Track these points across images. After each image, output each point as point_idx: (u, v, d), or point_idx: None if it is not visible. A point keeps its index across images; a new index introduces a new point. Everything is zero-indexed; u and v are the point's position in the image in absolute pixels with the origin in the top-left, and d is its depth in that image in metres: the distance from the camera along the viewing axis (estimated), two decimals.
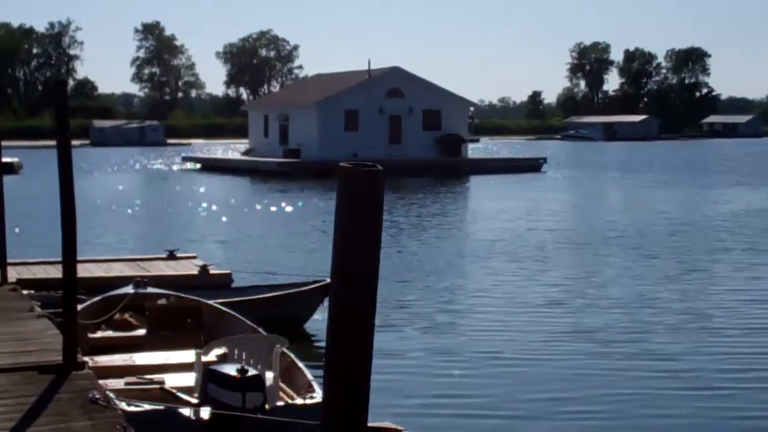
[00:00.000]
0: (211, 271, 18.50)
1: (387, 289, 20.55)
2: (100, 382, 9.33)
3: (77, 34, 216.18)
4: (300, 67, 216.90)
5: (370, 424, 8.68)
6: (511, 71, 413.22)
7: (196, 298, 13.99)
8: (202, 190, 53.38)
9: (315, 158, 67.77)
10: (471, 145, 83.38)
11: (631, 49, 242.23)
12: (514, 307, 18.79)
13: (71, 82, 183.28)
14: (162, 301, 13.63)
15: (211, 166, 75.69)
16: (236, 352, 10.98)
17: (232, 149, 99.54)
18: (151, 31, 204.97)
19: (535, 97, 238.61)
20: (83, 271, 16.72)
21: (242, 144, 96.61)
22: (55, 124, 9.51)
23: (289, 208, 40.92)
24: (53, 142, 9.51)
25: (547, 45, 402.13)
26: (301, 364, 10.97)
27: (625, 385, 13.12)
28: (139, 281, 14.16)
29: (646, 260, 25.15)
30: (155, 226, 34.92)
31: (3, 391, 8.62)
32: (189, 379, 10.57)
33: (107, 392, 8.75)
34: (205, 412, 8.92)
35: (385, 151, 70.90)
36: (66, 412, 8.03)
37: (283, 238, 30.48)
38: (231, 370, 9.04)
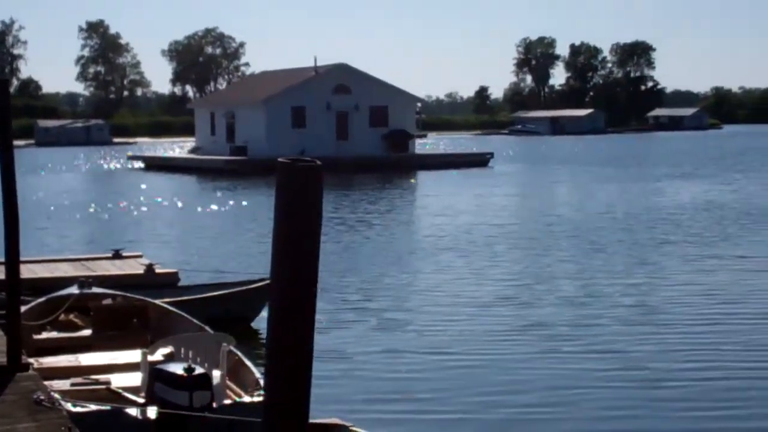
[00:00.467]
0: (157, 271, 18.41)
1: (334, 286, 20.53)
2: (46, 383, 9.26)
3: (20, 33, 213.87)
4: (246, 64, 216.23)
5: (317, 421, 8.70)
6: (458, 67, 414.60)
7: (141, 297, 13.90)
8: (148, 189, 53.04)
9: (262, 156, 67.53)
10: (418, 141, 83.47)
11: (577, 43, 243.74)
12: (463, 303, 18.77)
13: (15, 82, 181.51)
14: (107, 301, 13.53)
15: (157, 165, 75.21)
16: (183, 351, 10.93)
17: (178, 148, 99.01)
18: (95, 29, 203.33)
19: (482, 92, 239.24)
20: (27, 271, 16.59)
21: (189, 142, 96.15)
22: None
23: (236, 206, 40.78)
24: None
25: (493, 40, 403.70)
26: (248, 362, 10.94)
27: (575, 381, 13.12)
28: (84, 281, 14.05)
29: (594, 254, 25.25)
30: (100, 225, 34.68)
31: None
32: (135, 379, 10.51)
33: (52, 393, 8.69)
34: (152, 412, 8.88)
35: (333, 147, 70.81)
36: (10, 413, 7.97)
37: (230, 236, 30.38)
38: (178, 369, 9.00)
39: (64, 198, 46.25)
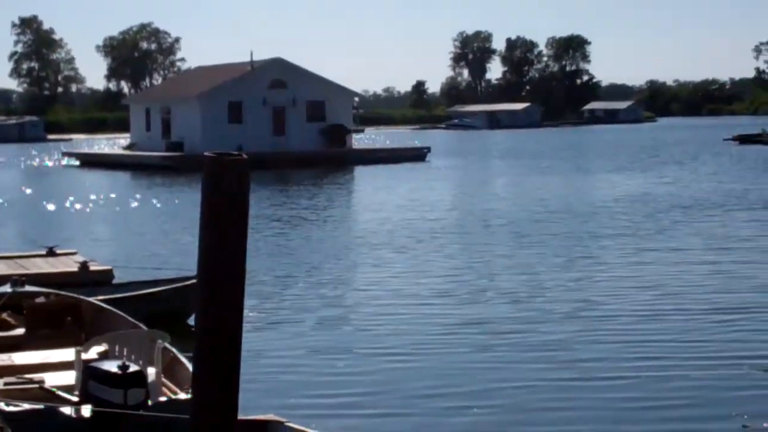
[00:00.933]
0: (92, 268, 18.24)
1: (271, 283, 20.47)
2: None
3: None
4: (182, 59, 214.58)
5: (253, 417, 8.66)
6: (395, 61, 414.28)
7: (75, 295, 13.78)
8: (82, 185, 52.56)
9: (198, 151, 67.05)
10: (356, 136, 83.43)
11: (513, 37, 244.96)
12: (400, 299, 18.73)
13: None
14: (41, 300, 13.40)
15: (92, 162, 74.54)
16: (117, 348, 10.85)
17: (114, 144, 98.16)
18: (28, 25, 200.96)
19: (419, 86, 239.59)
20: None
21: (124, 138, 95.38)
22: None
23: (171, 203, 40.53)
24: None
25: (430, 34, 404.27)
26: (183, 359, 10.87)
27: (516, 377, 13.09)
28: (17, 279, 13.90)
29: (532, 248, 25.36)
30: (34, 223, 34.32)
31: None
32: (69, 377, 10.42)
33: None
34: (86, 410, 8.80)
35: (270, 143, 70.58)
36: None
37: (165, 233, 30.19)
38: (112, 366, 8.93)
39: None
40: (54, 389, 9.97)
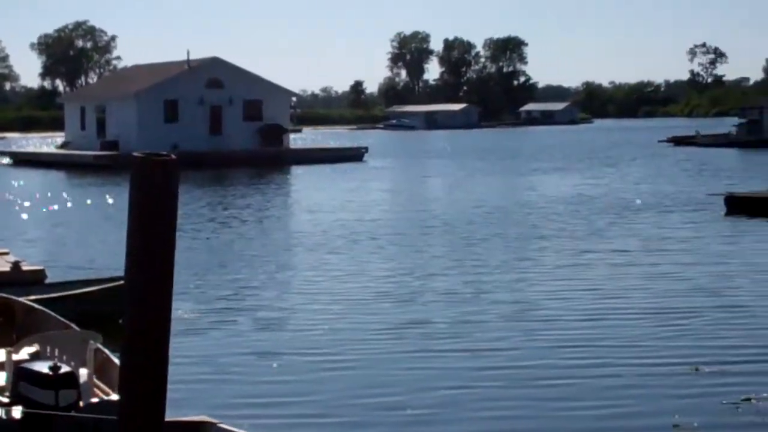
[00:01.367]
0: (24, 268, 18.05)
1: (206, 284, 20.31)
2: None
3: None
4: (118, 58, 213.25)
5: (185, 419, 8.61)
6: (333, 61, 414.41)
7: (7, 295, 13.61)
8: (15, 184, 51.97)
9: (134, 150, 66.40)
10: (293, 136, 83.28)
11: (451, 38, 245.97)
12: (337, 300, 18.51)
13: None
14: None
15: (26, 160, 73.75)
16: (49, 349, 10.73)
17: (48, 142, 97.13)
18: None
19: (357, 86, 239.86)
20: None
21: (59, 137, 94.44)
22: None
23: (105, 202, 40.18)
24: None
25: (367, 35, 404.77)
26: (116, 360, 10.76)
27: (452, 379, 12.95)
28: None
29: (469, 249, 25.31)
30: None
31: None
32: (0, 378, 10.29)
33: None
34: (17, 412, 8.69)
35: (206, 142, 70.30)
36: None
37: (99, 233, 29.92)
38: (43, 367, 8.84)
39: None
40: None
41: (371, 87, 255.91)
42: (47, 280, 17.89)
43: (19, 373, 8.91)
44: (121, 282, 16.29)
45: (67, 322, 12.50)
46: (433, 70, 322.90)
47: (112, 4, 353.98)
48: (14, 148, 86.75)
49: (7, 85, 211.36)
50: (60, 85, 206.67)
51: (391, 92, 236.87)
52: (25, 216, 35.72)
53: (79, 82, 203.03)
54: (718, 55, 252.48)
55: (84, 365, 10.26)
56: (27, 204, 39.96)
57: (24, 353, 10.71)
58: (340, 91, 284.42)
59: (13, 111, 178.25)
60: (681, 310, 17.25)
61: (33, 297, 14.54)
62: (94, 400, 9.62)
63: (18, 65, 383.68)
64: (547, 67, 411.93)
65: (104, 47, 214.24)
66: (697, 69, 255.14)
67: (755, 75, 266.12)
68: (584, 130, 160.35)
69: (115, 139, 70.92)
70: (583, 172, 55.54)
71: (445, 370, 13.48)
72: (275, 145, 73.26)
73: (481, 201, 38.72)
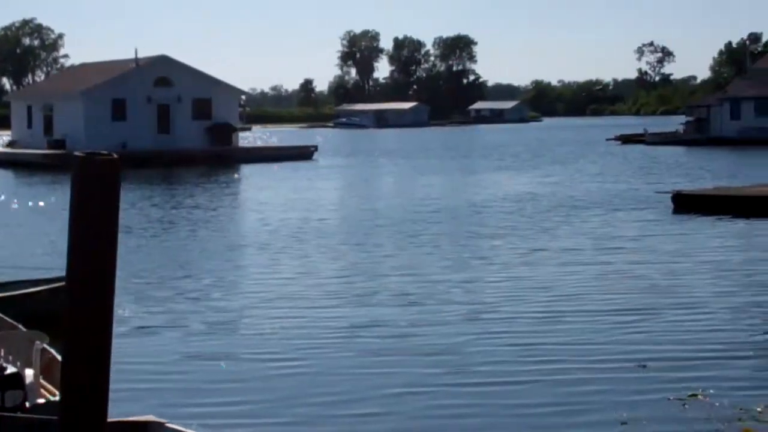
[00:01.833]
0: None
1: (152, 285, 20.14)
2: None
3: None
4: (66, 56, 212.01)
5: (132, 418, 8.55)
6: (283, 59, 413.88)
7: None
8: None
9: (81, 149, 65.70)
10: (242, 134, 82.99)
11: (401, 37, 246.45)
12: (285, 301, 18.30)
13: None
14: None
15: None
16: None
17: None
18: None
19: (307, 85, 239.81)
20: None
21: (5, 135, 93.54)
22: None
23: (52, 201, 39.85)
24: None
25: (317, 33, 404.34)
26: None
27: (407, 381, 12.80)
28: None
29: (422, 248, 25.16)
30: None
31: None
32: None
33: None
34: None
35: (155, 140, 69.95)
36: None
37: (45, 232, 29.65)
38: None
39: None
40: None
41: (321, 85, 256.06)
42: None
43: None
44: None
45: (14, 322, 12.40)
46: (383, 69, 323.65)
47: (59, 2, 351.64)
48: None
49: None
50: (6, 83, 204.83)
51: (341, 91, 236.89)
52: None
53: (26, 80, 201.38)
54: (666, 53, 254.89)
55: (30, 366, 10.17)
56: None
57: None
58: (290, 89, 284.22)
59: None
60: (630, 307, 17.32)
61: None
62: (41, 400, 9.54)
63: None
64: (496, 65, 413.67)
65: (51, 45, 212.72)
66: (645, 67, 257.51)
67: (702, 73, 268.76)
68: (533, 128, 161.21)
69: (63, 138, 70.37)
70: (533, 171, 55.79)
71: (395, 371, 13.36)
72: (224, 143, 72.99)
73: (431, 200, 38.78)
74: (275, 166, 62.69)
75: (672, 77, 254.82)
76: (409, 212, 33.83)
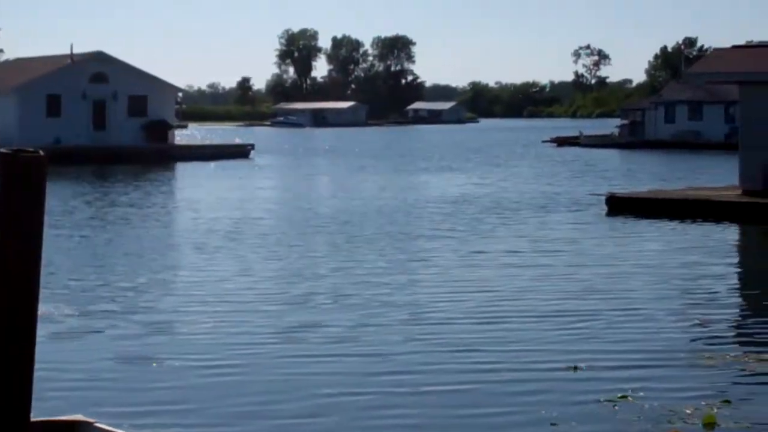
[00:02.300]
0: None
1: (84, 285, 19.89)
2: None
3: None
4: (0, 50, 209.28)
5: (60, 418, 8.44)
6: (220, 57, 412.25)
7: None
8: None
9: (14, 146, 65.33)
10: (178, 132, 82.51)
11: (339, 36, 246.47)
12: (221, 303, 18.02)
13: None
14: None
15: None
16: None
17: None
18: None
19: (245, 83, 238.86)
20: None
21: None
22: None
23: None
24: None
25: (255, 31, 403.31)
26: None
27: (344, 385, 12.64)
28: None
29: (358, 249, 24.97)
30: None
31: None
32: None
33: None
34: None
35: (90, 137, 69.36)
36: None
37: None
38: None
39: None
40: None
41: (259, 84, 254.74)
42: None
43: None
44: None
45: None
46: (321, 68, 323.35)
47: None
48: None
49: None
50: None
51: (278, 89, 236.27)
52: None
53: None
54: (602, 56, 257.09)
55: None
56: None
57: None
58: (227, 87, 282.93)
59: None
60: (564, 309, 17.38)
61: None
62: None
63: None
64: (434, 66, 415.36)
65: None
66: (581, 70, 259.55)
67: (638, 77, 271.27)
68: (470, 129, 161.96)
69: None
70: (469, 172, 55.98)
71: (332, 375, 13.18)
72: (160, 141, 72.55)
73: (369, 200, 38.74)
74: (212, 165, 62.40)
75: (608, 80, 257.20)
76: (347, 213, 33.74)
